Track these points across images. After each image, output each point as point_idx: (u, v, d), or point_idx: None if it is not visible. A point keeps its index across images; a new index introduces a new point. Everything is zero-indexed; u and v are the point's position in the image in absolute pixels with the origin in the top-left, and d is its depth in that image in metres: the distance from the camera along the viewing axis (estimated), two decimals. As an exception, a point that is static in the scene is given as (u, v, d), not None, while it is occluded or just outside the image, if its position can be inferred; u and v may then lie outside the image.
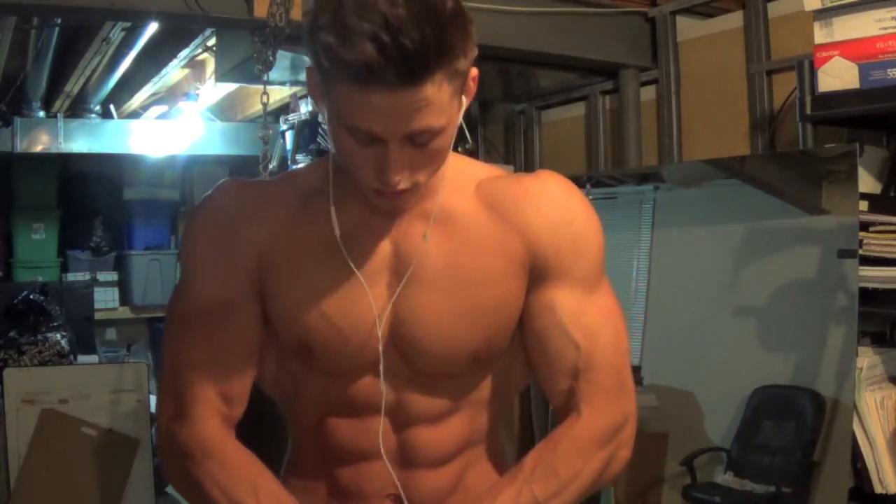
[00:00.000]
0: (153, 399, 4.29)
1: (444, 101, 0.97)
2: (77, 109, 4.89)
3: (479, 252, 1.11)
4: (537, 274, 1.14)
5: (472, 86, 1.05)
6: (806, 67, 2.12)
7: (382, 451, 1.12)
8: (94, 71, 4.08)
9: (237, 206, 1.14)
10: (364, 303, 1.09)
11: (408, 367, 1.11)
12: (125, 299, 5.82)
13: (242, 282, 1.13)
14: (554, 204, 1.14)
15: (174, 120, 5.09)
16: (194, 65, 4.30)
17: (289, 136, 3.65)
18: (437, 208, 1.11)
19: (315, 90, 1.03)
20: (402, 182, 1.01)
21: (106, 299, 5.66)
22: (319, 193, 1.13)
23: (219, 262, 1.13)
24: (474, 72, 1.04)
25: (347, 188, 1.10)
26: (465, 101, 1.04)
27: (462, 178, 1.14)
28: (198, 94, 4.53)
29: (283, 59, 2.86)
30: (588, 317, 1.14)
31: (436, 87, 0.94)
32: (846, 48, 2.01)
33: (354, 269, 1.09)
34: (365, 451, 1.13)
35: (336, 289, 1.09)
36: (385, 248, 1.11)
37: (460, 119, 1.05)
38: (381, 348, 1.09)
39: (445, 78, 0.95)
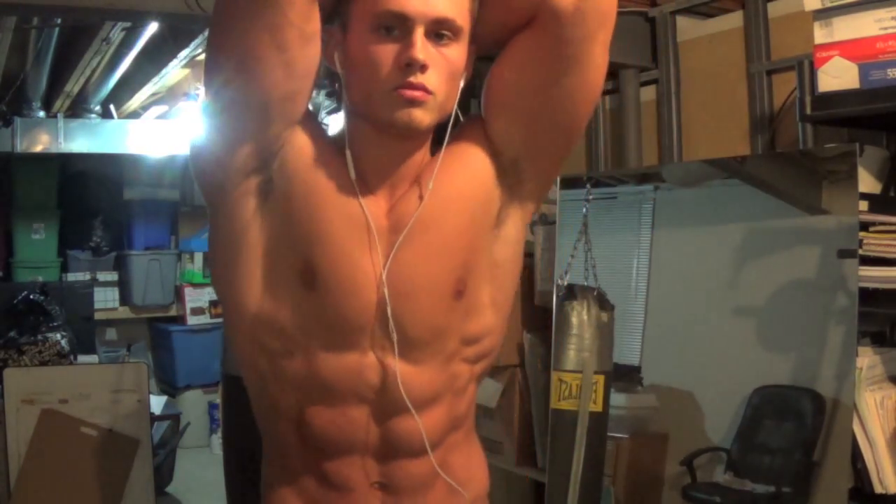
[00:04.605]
0: (153, 399, 4.29)
1: (462, 5, 1.08)
2: (77, 109, 4.90)
3: (458, 202, 1.15)
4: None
5: (470, 63, 1.14)
6: (806, 67, 2.12)
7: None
8: (94, 71, 4.08)
9: None
10: (366, 249, 1.11)
11: (397, 334, 1.11)
12: (125, 299, 5.82)
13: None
14: None
15: (174, 120, 5.09)
16: (194, 65, 4.30)
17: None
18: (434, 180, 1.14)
19: (332, 40, 1.10)
20: (425, 75, 1.05)
21: (106, 299, 5.67)
22: (339, 143, 1.15)
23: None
24: (472, 49, 1.13)
25: (363, 140, 1.13)
26: (464, 76, 1.13)
27: None
28: (198, 94, 4.53)
29: (283, 59, 2.85)
30: None
31: None
32: (846, 48, 2.02)
33: (366, 212, 1.11)
34: (348, 445, 1.13)
35: (345, 225, 1.11)
36: (382, 206, 1.14)
37: (463, 80, 1.12)
38: (379, 293, 1.10)
39: None
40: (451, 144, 1.15)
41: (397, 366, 1.11)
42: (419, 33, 1.05)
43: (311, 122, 1.14)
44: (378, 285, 1.10)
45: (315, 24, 1.06)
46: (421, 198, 1.12)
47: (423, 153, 1.15)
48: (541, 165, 1.18)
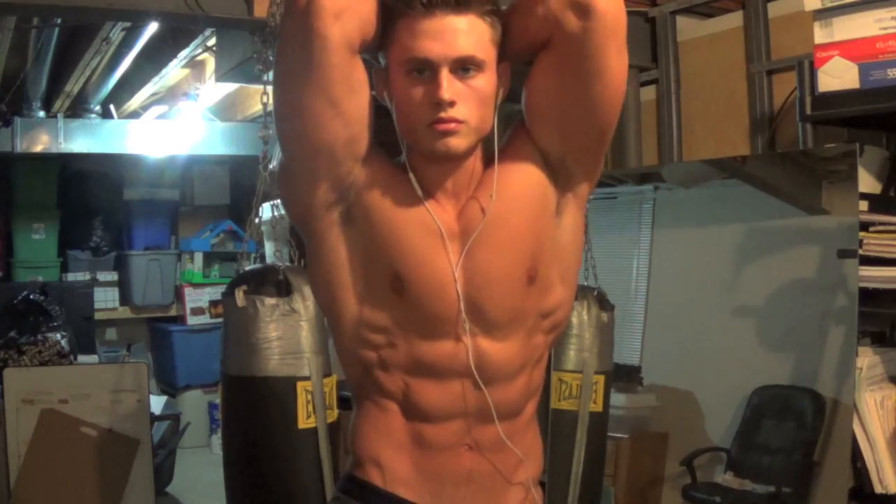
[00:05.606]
0: (153, 399, 4.29)
1: (482, 39, 1.23)
2: (77, 109, 4.90)
3: (517, 201, 1.29)
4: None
5: (506, 78, 1.29)
6: (806, 67, 2.12)
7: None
8: (94, 71, 4.09)
9: None
10: (443, 253, 1.27)
11: (482, 320, 1.27)
12: (125, 299, 5.82)
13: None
14: None
15: (174, 120, 5.09)
16: (194, 65, 4.31)
17: (289, 135, 3.66)
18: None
19: (380, 79, 1.26)
20: (454, 109, 1.20)
21: (106, 299, 5.67)
22: (404, 168, 1.30)
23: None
24: (506, 65, 1.29)
25: (420, 162, 1.27)
26: (501, 92, 1.28)
27: None
28: (198, 94, 4.53)
29: (284, 59, 2.85)
30: None
31: (472, 23, 1.22)
32: (846, 48, 2.02)
33: (437, 221, 1.26)
34: (451, 412, 1.30)
35: (422, 236, 1.26)
36: (451, 213, 1.29)
37: (499, 96, 1.28)
38: (459, 289, 1.26)
39: (479, 19, 1.22)
40: (505, 151, 1.31)
41: (483, 346, 1.28)
42: (444, 74, 1.20)
43: (376, 152, 1.29)
44: (456, 281, 1.27)
45: (360, 73, 1.22)
46: (486, 202, 1.27)
47: (475, 164, 1.30)
48: (584, 161, 1.35)
